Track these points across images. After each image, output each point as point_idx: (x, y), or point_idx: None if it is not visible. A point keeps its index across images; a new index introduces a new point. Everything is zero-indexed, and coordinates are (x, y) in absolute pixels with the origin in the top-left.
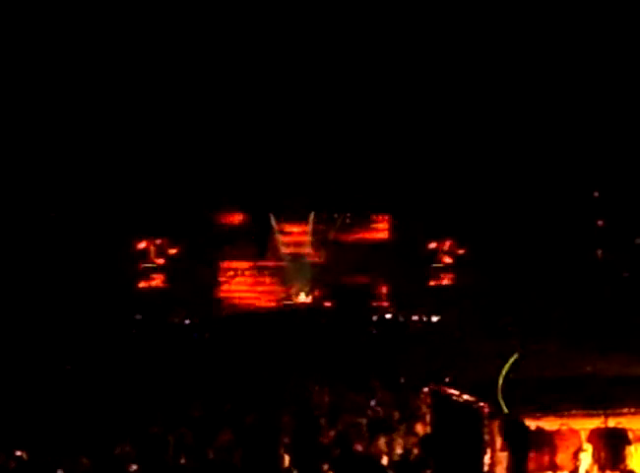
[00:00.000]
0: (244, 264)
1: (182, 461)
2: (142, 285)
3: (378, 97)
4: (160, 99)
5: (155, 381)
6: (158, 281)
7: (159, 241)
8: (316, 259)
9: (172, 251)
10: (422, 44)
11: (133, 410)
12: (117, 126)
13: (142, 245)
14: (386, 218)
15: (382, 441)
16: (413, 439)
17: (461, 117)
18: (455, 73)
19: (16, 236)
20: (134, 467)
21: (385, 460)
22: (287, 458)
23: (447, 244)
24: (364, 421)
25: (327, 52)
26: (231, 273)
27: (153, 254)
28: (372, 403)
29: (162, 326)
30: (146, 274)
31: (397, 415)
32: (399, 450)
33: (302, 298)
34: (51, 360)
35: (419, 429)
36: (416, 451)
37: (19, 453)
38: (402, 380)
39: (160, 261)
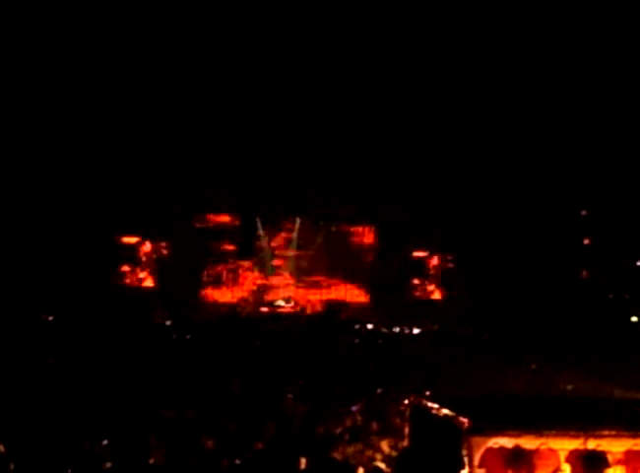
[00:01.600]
0: (228, 266)
1: (152, 462)
2: (126, 283)
3: (370, 107)
4: (157, 100)
5: (129, 381)
6: (142, 280)
7: (144, 240)
8: (300, 266)
9: (157, 251)
10: (418, 57)
11: (107, 407)
12: (112, 128)
13: (127, 244)
14: (371, 228)
15: (358, 451)
16: (389, 452)
17: (451, 131)
18: (446, 87)
19: (7, 232)
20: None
21: (361, 471)
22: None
23: (432, 256)
24: (340, 430)
25: (322, 61)
26: (214, 274)
27: (138, 253)
28: (354, 408)
29: (143, 326)
30: (130, 272)
31: (375, 426)
32: (375, 462)
33: (283, 303)
34: (33, 353)
35: (397, 441)
36: (391, 464)
37: None
38: (378, 391)
39: (145, 260)
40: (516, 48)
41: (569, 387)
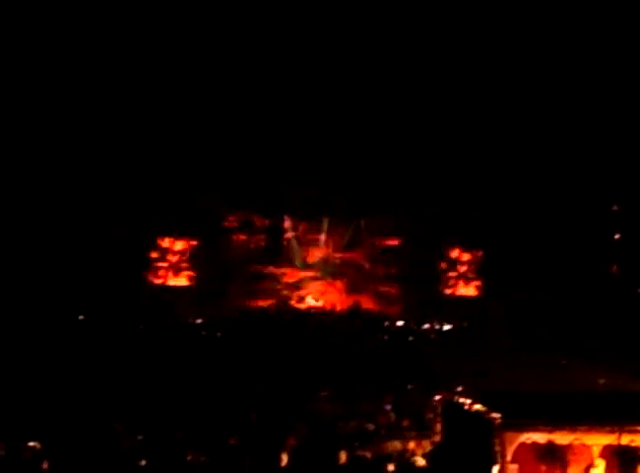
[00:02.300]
0: (258, 266)
1: (189, 458)
2: (156, 283)
3: (395, 104)
4: (187, 103)
5: (160, 380)
6: (172, 280)
7: (174, 241)
8: (330, 263)
9: (187, 251)
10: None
11: (139, 408)
12: (145, 130)
13: (158, 245)
14: (401, 225)
15: (390, 448)
16: (422, 447)
17: (480, 128)
18: (471, 77)
19: (38, 235)
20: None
21: (392, 467)
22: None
23: (463, 253)
24: (372, 427)
25: (337, 60)
26: (244, 274)
27: (168, 254)
28: (387, 407)
29: (173, 324)
30: (161, 273)
31: (407, 422)
32: (407, 457)
33: (313, 301)
34: (66, 353)
35: (429, 437)
36: (424, 459)
37: (32, 444)
38: (409, 387)
39: (176, 261)
40: (535, 39)
41: (602, 382)
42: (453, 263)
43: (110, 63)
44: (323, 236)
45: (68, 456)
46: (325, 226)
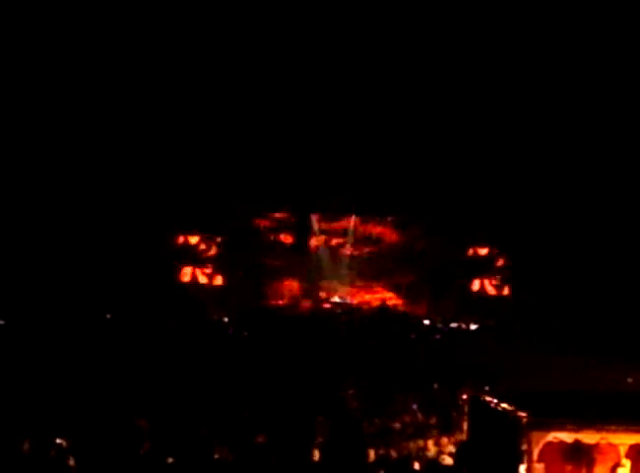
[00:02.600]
0: (284, 263)
1: (216, 456)
2: (183, 281)
3: (413, 98)
4: (208, 101)
5: (190, 376)
6: (199, 277)
7: (200, 238)
8: (355, 260)
9: (213, 248)
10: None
11: (166, 403)
12: (169, 127)
13: (182, 241)
14: (427, 224)
15: (415, 446)
16: (448, 446)
17: (508, 122)
18: (493, 70)
19: (60, 231)
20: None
21: (417, 465)
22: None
23: (490, 252)
24: (398, 425)
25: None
26: (271, 272)
27: (194, 251)
28: (414, 406)
29: (201, 322)
30: (187, 270)
31: (434, 421)
32: (432, 456)
33: (339, 300)
34: (90, 350)
35: (456, 435)
36: (450, 458)
37: (58, 441)
38: (436, 386)
39: (202, 258)
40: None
41: (629, 381)
42: (480, 261)
43: (137, 61)
44: (350, 236)
45: (95, 453)
46: (352, 223)
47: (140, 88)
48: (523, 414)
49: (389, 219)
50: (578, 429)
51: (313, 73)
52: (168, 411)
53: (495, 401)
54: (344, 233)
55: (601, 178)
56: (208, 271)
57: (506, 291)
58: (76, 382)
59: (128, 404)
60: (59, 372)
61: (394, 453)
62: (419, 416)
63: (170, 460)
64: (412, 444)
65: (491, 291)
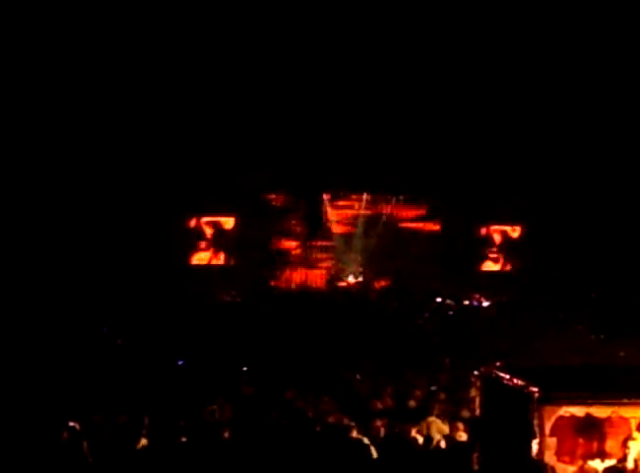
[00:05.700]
0: (295, 243)
1: (226, 435)
2: (194, 262)
3: (429, 82)
4: (210, 86)
5: (203, 356)
6: (209, 258)
7: (210, 219)
8: (367, 240)
9: (223, 229)
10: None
11: (178, 386)
12: (178, 114)
13: (193, 223)
14: (437, 201)
15: (429, 423)
16: (462, 422)
17: (516, 106)
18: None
19: (70, 216)
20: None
21: (420, 439)
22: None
23: (501, 228)
24: (413, 403)
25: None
26: (282, 252)
27: (204, 232)
28: (433, 388)
29: (213, 304)
30: (197, 252)
31: (446, 397)
32: (447, 432)
33: (352, 278)
34: (103, 335)
35: (467, 412)
36: (463, 434)
37: (72, 424)
38: (447, 362)
39: (212, 239)
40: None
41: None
42: (492, 238)
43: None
44: (361, 214)
45: (108, 437)
46: (364, 203)
47: (145, 70)
48: (534, 389)
49: (401, 197)
50: (590, 403)
51: (324, 54)
52: (181, 395)
53: (508, 377)
54: (355, 215)
55: (619, 156)
56: (219, 253)
57: (518, 267)
58: (88, 366)
59: (140, 388)
60: (70, 357)
61: (407, 430)
62: (433, 393)
63: (184, 439)
64: (425, 421)
65: (504, 268)
